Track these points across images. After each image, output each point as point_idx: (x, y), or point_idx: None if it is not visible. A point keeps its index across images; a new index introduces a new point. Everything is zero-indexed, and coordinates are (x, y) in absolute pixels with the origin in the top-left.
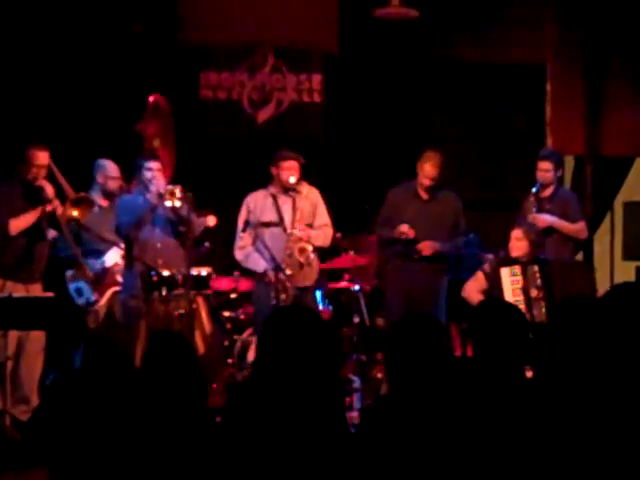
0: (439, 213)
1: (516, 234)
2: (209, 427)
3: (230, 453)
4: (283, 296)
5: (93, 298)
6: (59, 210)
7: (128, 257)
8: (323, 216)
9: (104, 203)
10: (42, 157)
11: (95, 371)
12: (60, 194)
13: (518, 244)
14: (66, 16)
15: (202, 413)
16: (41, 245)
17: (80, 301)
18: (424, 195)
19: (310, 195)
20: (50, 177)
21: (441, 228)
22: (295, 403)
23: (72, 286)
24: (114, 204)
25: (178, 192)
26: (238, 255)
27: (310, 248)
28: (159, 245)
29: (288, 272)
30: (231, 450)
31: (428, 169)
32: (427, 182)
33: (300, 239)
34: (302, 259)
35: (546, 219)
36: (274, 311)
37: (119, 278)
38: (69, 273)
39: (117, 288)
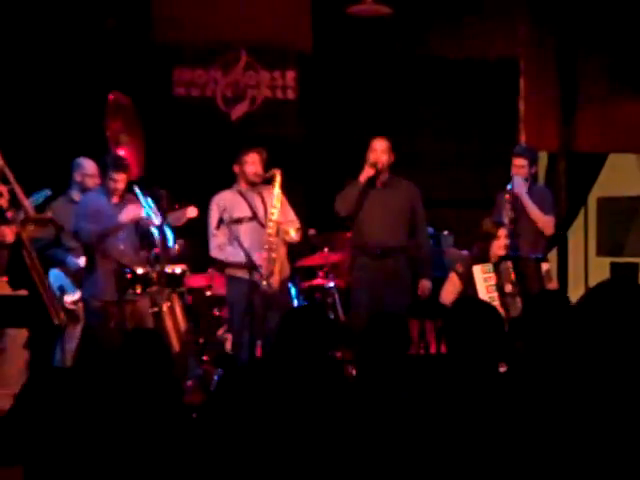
0: (394, 201)
1: (503, 232)
2: (185, 424)
3: (208, 449)
4: (265, 286)
5: (77, 296)
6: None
7: (89, 259)
8: (290, 212)
9: None
10: None
11: (72, 369)
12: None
13: (505, 242)
14: (37, 12)
15: (178, 410)
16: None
17: (64, 298)
18: (378, 184)
19: (275, 192)
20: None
21: (397, 216)
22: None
23: (55, 284)
24: None
25: (155, 219)
26: (218, 254)
27: (292, 233)
28: (122, 247)
29: (273, 255)
30: (209, 446)
31: (376, 152)
32: (378, 164)
33: (279, 223)
34: (287, 237)
35: (526, 201)
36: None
37: None
38: (53, 271)
39: None
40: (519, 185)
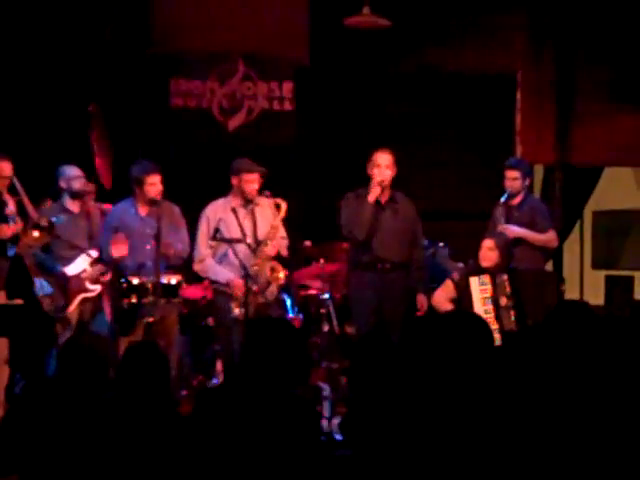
0: (400, 218)
1: (487, 244)
2: (180, 434)
3: (200, 459)
4: (250, 308)
5: (61, 303)
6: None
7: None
8: (281, 228)
9: (75, 208)
10: (5, 169)
11: (67, 379)
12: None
13: (489, 254)
14: (34, 22)
15: (172, 420)
16: (2, 260)
17: (47, 307)
18: (382, 200)
19: (268, 206)
20: (11, 189)
21: (404, 233)
22: (268, 413)
23: (40, 292)
24: (85, 208)
25: None
26: (197, 267)
27: (281, 275)
28: (148, 247)
29: (254, 288)
30: (201, 456)
31: (380, 167)
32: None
33: (270, 258)
34: (272, 279)
35: (516, 231)
36: (253, 322)
37: (88, 285)
38: (38, 280)
39: (86, 295)
40: (513, 231)
